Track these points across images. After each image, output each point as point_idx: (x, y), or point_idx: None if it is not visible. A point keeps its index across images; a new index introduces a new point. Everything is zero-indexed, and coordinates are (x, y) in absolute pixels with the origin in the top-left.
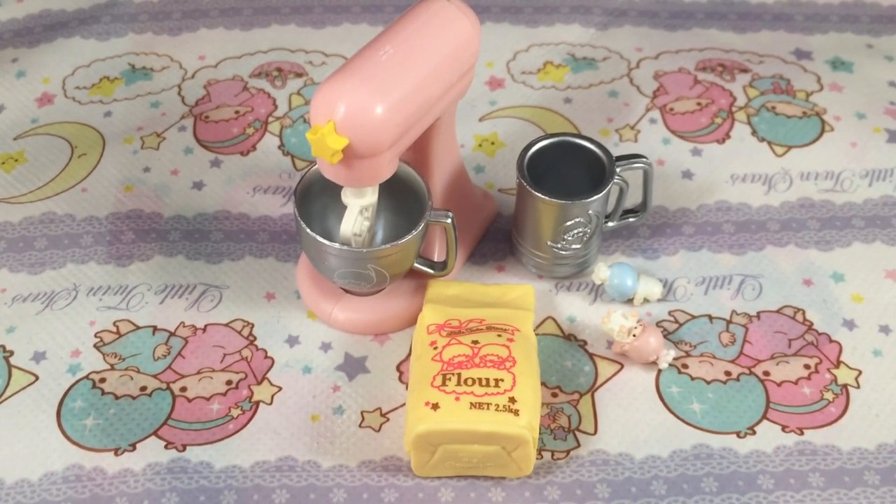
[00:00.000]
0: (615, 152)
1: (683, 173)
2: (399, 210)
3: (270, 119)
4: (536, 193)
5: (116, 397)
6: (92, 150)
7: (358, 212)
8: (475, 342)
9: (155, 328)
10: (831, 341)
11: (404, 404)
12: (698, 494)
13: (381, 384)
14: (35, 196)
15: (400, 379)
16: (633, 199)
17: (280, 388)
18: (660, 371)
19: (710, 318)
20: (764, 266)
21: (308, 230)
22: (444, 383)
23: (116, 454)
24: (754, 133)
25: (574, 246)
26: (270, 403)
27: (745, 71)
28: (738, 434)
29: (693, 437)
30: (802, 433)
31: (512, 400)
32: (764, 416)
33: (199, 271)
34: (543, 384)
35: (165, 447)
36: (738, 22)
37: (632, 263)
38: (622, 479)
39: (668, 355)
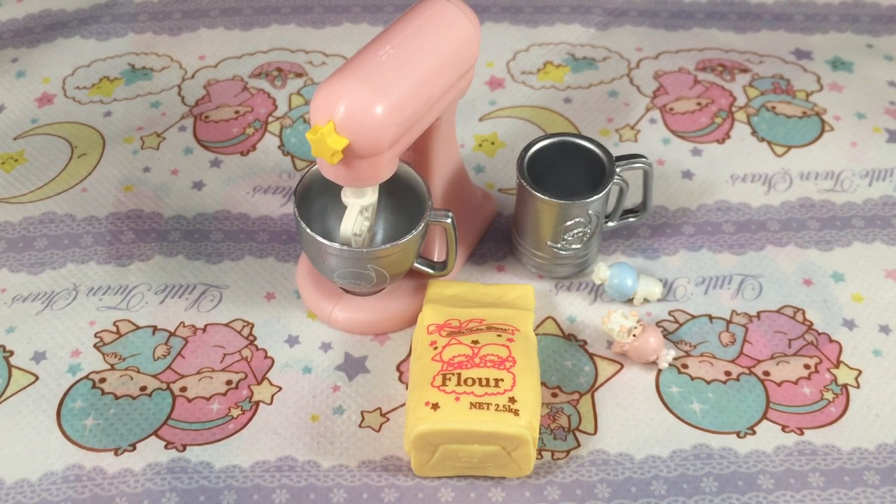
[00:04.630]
0: (615, 152)
1: (683, 173)
2: (399, 210)
3: (270, 119)
4: (536, 193)
5: (116, 397)
6: (92, 150)
7: (358, 212)
8: (475, 342)
9: (155, 328)
10: (831, 341)
11: (404, 404)
12: (698, 494)
13: (381, 384)
14: (35, 196)
15: (400, 379)
16: (633, 199)
17: (280, 388)
18: (660, 371)
19: (710, 318)
20: (764, 266)
21: (308, 230)
22: (444, 383)
23: (116, 454)
24: (754, 133)
25: (574, 246)
26: (270, 403)
27: (745, 71)
28: (738, 434)
29: (693, 437)
30: (802, 433)
31: (512, 400)
32: (764, 416)
33: (199, 271)
34: (543, 384)
35: (165, 447)
36: (738, 22)
37: (632, 263)
38: (622, 479)
39: (668, 355)
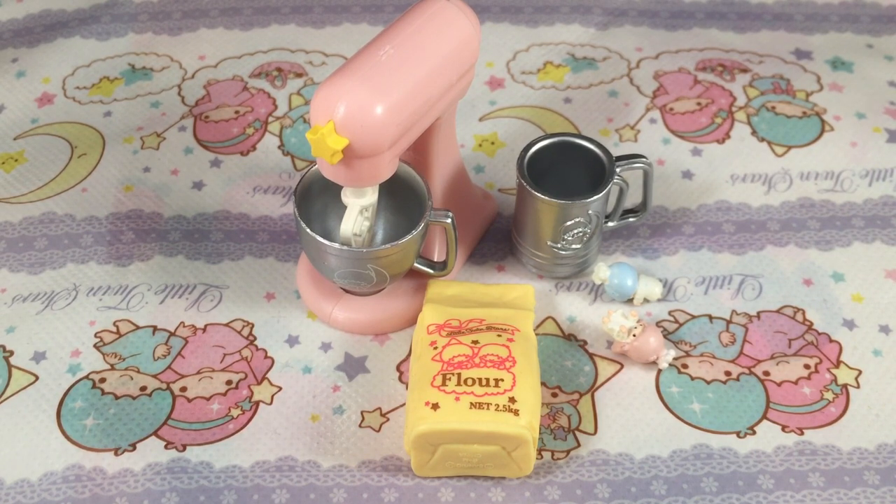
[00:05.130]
0: (615, 152)
1: (683, 173)
2: (399, 210)
3: (270, 119)
4: (536, 193)
5: (116, 397)
6: (92, 150)
7: (358, 212)
8: (475, 342)
9: (155, 328)
10: (831, 341)
11: (404, 404)
12: (698, 494)
13: (381, 384)
14: (35, 196)
15: (400, 379)
16: (633, 199)
17: (280, 388)
18: (660, 371)
19: (710, 318)
20: (764, 266)
21: (308, 230)
22: (444, 383)
23: (116, 454)
24: (754, 133)
25: (574, 246)
26: (270, 403)
27: (745, 71)
28: (738, 434)
29: (693, 436)
30: (802, 433)
31: (512, 400)
32: (764, 416)
33: (199, 271)
34: (543, 384)
35: (165, 447)
36: (738, 22)
37: (632, 263)
38: (622, 479)
39: (668, 355)
